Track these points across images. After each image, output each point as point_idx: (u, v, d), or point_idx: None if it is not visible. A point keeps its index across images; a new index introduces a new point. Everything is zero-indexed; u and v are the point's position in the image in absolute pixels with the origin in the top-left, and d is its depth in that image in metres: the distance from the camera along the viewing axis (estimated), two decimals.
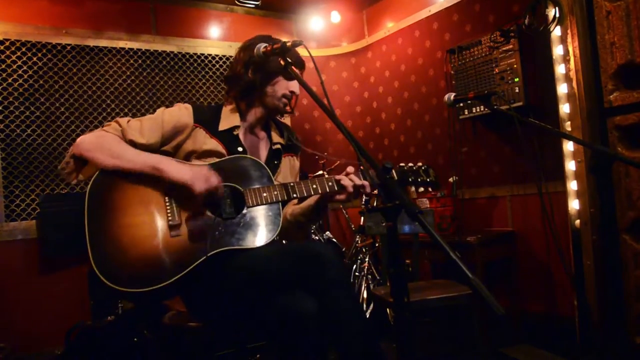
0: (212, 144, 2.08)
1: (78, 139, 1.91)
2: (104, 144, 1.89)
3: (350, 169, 2.09)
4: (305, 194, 2.04)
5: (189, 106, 2.13)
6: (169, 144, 2.06)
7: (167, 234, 1.86)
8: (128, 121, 2.01)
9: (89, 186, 1.85)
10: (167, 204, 1.91)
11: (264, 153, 2.25)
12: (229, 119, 2.17)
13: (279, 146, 2.27)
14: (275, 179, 2.19)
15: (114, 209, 1.85)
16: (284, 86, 2.17)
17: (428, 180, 2.22)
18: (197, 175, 1.86)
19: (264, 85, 2.15)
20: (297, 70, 1.80)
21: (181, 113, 2.09)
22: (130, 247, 1.80)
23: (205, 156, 2.06)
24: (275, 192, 2.00)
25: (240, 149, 2.13)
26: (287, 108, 2.22)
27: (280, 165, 2.26)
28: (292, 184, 2.03)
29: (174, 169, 1.87)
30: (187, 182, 1.84)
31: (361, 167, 2.09)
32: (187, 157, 2.07)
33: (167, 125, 2.04)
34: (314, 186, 2.04)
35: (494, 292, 3.79)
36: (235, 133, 2.15)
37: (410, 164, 2.24)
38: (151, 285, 1.75)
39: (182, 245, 1.86)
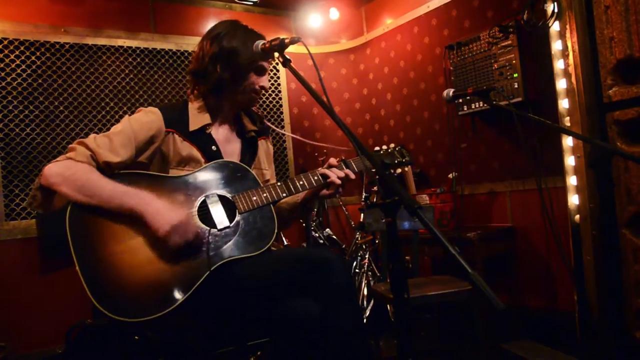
0: (186, 148, 2.02)
1: (44, 169, 1.77)
2: (75, 179, 1.76)
3: (332, 160, 2.10)
4: (294, 191, 2.03)
5: (156, 110, 2.03)
6: (142, 155, 1.99)
7: (165, 254, 1.78)
8: (95, 139, 1.88)
9: (67, 221, 1.72)
10: None
11: (238, 144, 2.22)
12: (198, 117, 2.09)
13: (252, 133, 2.24)
14: (255, 166, 2.19)
15: (102, 238, 1.75)
16: (254, 82, 2.10)
17: (404, 160, 2.26)
18: (174, 230, 1.74)
19: (233, 82, 2.07)
20: (294, 67, 1.78)
21: (150, 119, 2.00)
22: (129, 275, 1.72)
23: (182, 164, 2.01)
24: (265, 194, 1.98)
25: (214, 147, 2.08)
26: (255, 103, 2.20)
27: (257, 151, 2.25)
28: (280, 184, 2.02)
29: (152, 216, 1.74)
30: (161, 236, 1.73)
31: (343, 157, 2.13)
32: (163, 167, 2.02)
33: (139, 136, 1.95)
34: (301, 182, 2.04)
35: (494, 287, 3.78)
36: (207, 131, 2.10)
37: (385, 147, 2.30)
38: (160, 310, 1.68)
39: (183, 264, 1.78)
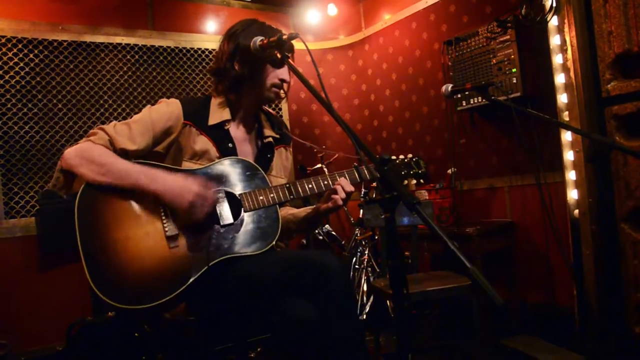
0: (202, 142, 2.03)
1: (65, 152, 1.82)
2: (92, 158, 1.79)
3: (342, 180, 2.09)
4: (302, 194, 2.01)
5: (177, 102, 2.05)
6: (160, 145, 2.00)
7: (166, 245, 1.80)
8: (114, 126, 1.92)
9: (76, 201, 1.75)
10: (163, 214, 1.84)
11: (255, 147, 2.21)
12: (218, 113, 2.10)
13: (270, 139, 2.23)
14: (269, 173, 2.16)
15: (107, 224, 1.77)
16: (273, 75, 2.09)
17: (420, 172, 2.25)
18: (193, 205, 1.78)
19: (252, 77, 2.08)
20: (293, 63, 1.78)
21: (170, 110, 2.02)
22: (129, 263, 1.73)
23: (195, 157, 2.02)
24: (272, 195, 1.97)
25: (230, 144, 2.08)
26: (281, 94, 2.15)
27: (273, 158, 2.23)
28: (287, 185, 2.00)
29: (170, 195, 1.78)
30: (185, 211, 1.77)
31: (355, 164, 2.10)
32: (177, 159, 2.02)
33: (157, 125, 1.97)
34: (310, 186, 2.02)
35: (494, 283, 3.80)
36: (226, 127, 2.10)
37: (402, 157, 2.29)
38: (155, 300, 1.70)
39: (182, 257, 1.80)
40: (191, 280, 1.77)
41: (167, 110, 2.02)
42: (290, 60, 1.76)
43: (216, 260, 1.82)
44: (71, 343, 3.17)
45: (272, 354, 2.47)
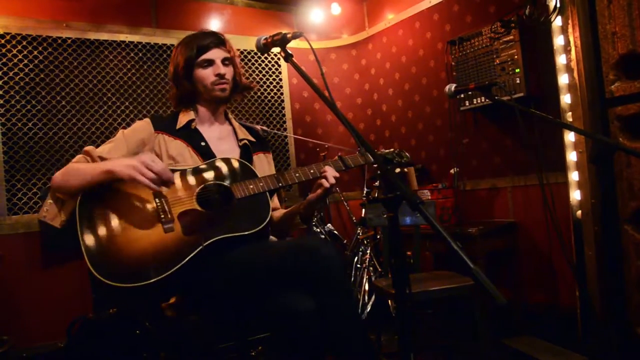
0: (177, 146, 2.14)
1: (52, 178, 1.98)
2: (69, 169, 1.95)
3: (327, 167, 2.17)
4: (290, 182, 2.10)
5: (146, 119, 2.21)
6: None
7: (161, 230, 1.89)
8: (94, 148, 2.08)
9: (77, 207, 1.89)
10: (158, 203, 1.95)
11: (233, 148, 2.30)
12: (183, 117, 2.24)
13: (246, 142, 2.32)
14: None
15: (106, 215, 1.89)
16: (207, 75, 2.20)
17: (403, 161, 2.32)
18: (134, 164, 1.84)
19: (191, 85, 2.22)
20: (295, 61, 1.78)
21: (141, 126, 2.18)
22: (126, 246, 1.83)
23: (175, 161, 2.12)
24: (262, 183, 2.06)
25: (203, 143, 2.19)
26: (225, 87, 2.23)
27: (253, 163, 2.30)
28: (276, 175, 2.10)
29: (120, 166, 1.85)
30: (135, 169, 1.83)
31: (339, 154, 2.22)
32: None
33: (130, 139, 2.12)
34: (297, 174, 2.12)
35: (496, 283, 3.77)
36: (193, 126, 2.22)
37: (384, 150, 2.38)
38: (151, 278, 1.76)
39: (178, 239, 1.88)
40: (187, 259, 1.83)
41: (137, 126, 2.18)
42: (293, 59, 1.76)
43: (210, 241, 1.89)
44: (72, 340, 3.18)
45: (272, 352, 2.47)
